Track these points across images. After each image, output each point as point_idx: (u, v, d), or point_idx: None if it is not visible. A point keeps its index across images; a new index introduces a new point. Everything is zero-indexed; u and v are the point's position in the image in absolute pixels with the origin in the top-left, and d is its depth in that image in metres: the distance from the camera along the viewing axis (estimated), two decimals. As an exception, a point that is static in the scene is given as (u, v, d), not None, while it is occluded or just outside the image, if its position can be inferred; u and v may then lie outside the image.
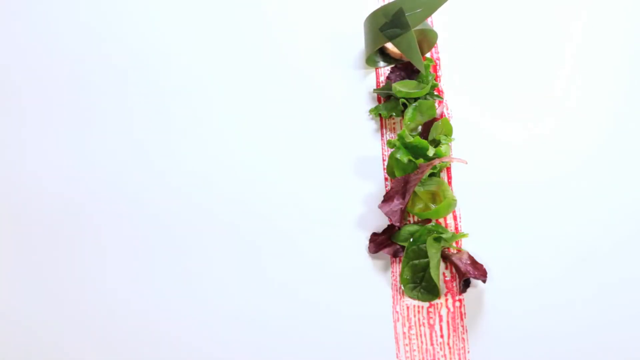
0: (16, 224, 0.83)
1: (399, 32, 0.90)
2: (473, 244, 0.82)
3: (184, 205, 0.84)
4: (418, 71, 0.93)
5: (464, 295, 0.79)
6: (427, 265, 0.80)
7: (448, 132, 0.89)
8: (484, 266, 0.80)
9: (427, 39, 0.94)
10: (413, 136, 0.87)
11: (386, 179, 0.87)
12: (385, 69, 0.95)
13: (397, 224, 0.82)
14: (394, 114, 0.91)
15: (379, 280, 0.80)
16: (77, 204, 0.84)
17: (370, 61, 0.94)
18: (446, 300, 0.79)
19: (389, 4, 0.92)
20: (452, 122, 0.90)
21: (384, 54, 0.95)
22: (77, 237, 0.82)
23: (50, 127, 0.89)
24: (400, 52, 0.91)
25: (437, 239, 0.81)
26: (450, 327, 0.77)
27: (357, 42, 0.97)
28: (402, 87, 0.91)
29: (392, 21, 0.91)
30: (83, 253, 0.82)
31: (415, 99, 0.91)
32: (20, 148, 0.88)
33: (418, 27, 0.92)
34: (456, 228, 0.84)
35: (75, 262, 0.82)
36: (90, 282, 0.80)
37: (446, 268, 0.81)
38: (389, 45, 0.94)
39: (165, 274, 0.81)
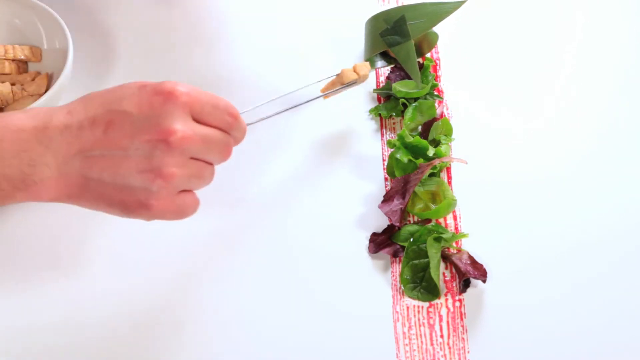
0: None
1: (399, 40, 0.90)
2: (473, 244, 0.82)
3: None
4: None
5: (464, 295, 0.79)
6: (427, 265, 0.80)
7: (448, 132, 0.89)
8: (484, 266, 0.79)
9: (428, 40, 0.94)
10: (413, 136, 0.87)
11: (386, 179, 0.87)
12: (385, 69, 0.95)
13: (397, 224, 0.82)
14: (394, 114, 0.91)
15: (379, 280, 0.80)
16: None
17: (369, 63, 0.94)
18: (446, 300, 0.79)
19: (392, 9, 0.92)
20: (452, 122, 0.90)
21: (384, 54, 0.94)
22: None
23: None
24: (399, 60, 0.90)
25: (437, 239, 0.81)
26: (450, 327, 0.77)
27: (358, 42, 0.97)
28: (402, 87, 0.91)
29: (393, 28, 0.90)
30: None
31: (415, 99, 0.91)
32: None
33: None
34: (456, 228, 0.84)
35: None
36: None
37: (446, 268, 0.81)
38: None
39: (163, 272, 0.81)
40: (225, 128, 0.71)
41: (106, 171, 0.69)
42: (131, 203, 0.69)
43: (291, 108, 0.86)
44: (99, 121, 0.69)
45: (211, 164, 0.72)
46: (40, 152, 0.69)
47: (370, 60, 0.94)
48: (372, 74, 0.95)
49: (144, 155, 0.68)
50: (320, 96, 0.88)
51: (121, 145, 0.68)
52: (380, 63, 0.95)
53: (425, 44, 0.95)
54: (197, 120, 0.70)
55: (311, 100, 0.87)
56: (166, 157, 0.68)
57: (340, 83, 0.87)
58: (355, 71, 0.87)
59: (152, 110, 0.69)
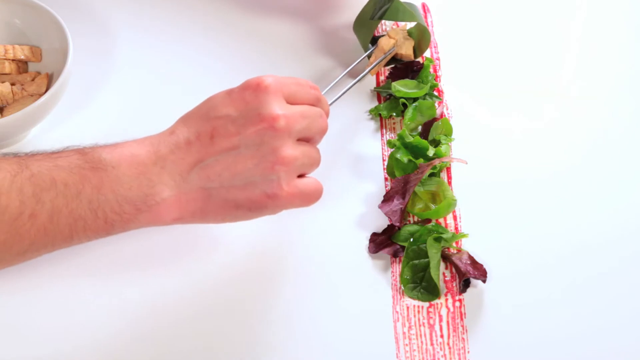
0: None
1: (386, 7, 0.92)
2: (473, 244, 0.82)
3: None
4: (418, 71, 0.94)
5: (464, 295, 0.79)
6: (427, 265, 0.80)
7: (448, 132, 0.89)
8: (484, 266, 0.79)
9: (425, 38, 0.95)
10: (413, 136, 0.87)
11: (386, 179, 0.87)
12: (385, 69, 0.95)
13: (397, 224, 0.82)
14: (394, 114, 0.91)
15: (379, 280, 0.80)
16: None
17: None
18: (446, 300, 0.79)
19: None
20: (452, 122, 0.90)
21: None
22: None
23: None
24: (394, 20, 0.92)
25: (438, 239, 0.81)
26: (450, 327, 0.77)
27: (357, 41, 0.97)
28: (402, 87, 0.91)
29: (381, 5, 0.92)
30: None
31: (415, 99, 0.91)
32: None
33: (416, 24, 0.93)
34: (456, 228, 0.84)
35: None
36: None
37: (446, 268, 0.81)
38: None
39: (158, 272, 0.81)
40: (314, 102, 0.75)
41: (224, 175, 0.71)
42: (257, 197, 0.71)
43: (343, 93, 0.88)
44: (203, 132, 0.72)
45: (314, 146, 0.75)
46: (156, 172, 0.71)
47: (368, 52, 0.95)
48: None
49: (255, 148, 0.71)
50: (367, 73, 0.92)
51: (231, 146, 0.71)
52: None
53: (423, 42, 0.95)
54: (289, 102, 0.73)
55: (360, 79, 0.91)
56: (276, 141, 0.71)
57: (382, 52, 0.91)
58: (391, 37, 0.92)
59: (248, 105, 0.72)
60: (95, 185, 0.70)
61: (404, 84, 0.92)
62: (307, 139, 0.74)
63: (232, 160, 0.71)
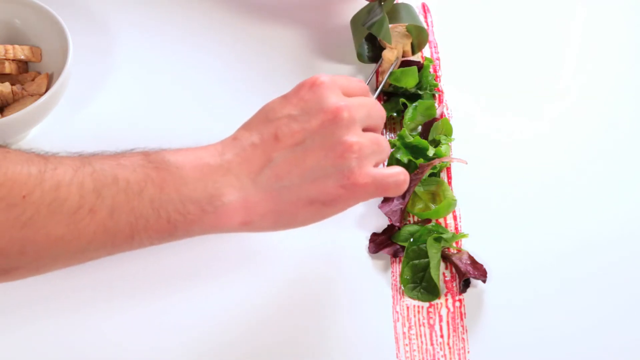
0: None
1: (374, 21, 0.92)
2: (473, 244, 0.82)
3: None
4: (418, 71, 0.93)
5: (464, 295, 0.79)
6: (427, 265, 0.80)
7: (448, 132, 0.89)
8: (484, 266, 0.80)
9: (421, 37, 0.95)
10: (413, 136, 0.87)
11: (386, 179, 0.87)
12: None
13: (397, 224, 0.82)
14: (394, 114, 0.91)
15: (379, 280, 0.80)
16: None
17: (360, 57, 0.95)
18: (446, 300, 0.79)
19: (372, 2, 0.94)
20: (452, 122, 0.90)
21: (371, 43, 0.96)
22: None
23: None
24: (379, 36, 0.92)
25: (438, 239, 0.81)
26: (450, 327, 0.77)
27: (346, 43, 0.97)
28: (402, 76, 0.91)
29: (373, 14, 0.93)
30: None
31: (415, 99, 0.91)
32: None
33: (412, 24, 0.93)
34: (456, 228, 0.84)
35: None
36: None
37: (446, 268, 0.81)
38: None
39: (161, 278, 0.81)
40: (365, 93, 0.76)
41: (294, 171, 0.70)
42: (331, 189, 0.70)
43: None
44: (267, 134, 0.71)
45: (379, 133, 0.74)
46: (222, 174, 0.70)
47: (360, 54, 0.95)
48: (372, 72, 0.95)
49: (321, 140, 0.70)
50: (382, 88, 0.92)
51: (297, 141, 0.70)
52: (369, 55, 0.95)
53: (422, 40, 0.95)
54: (345, 95, 0.73)
55: (377, 94, 0.91)
56: (343, 130, 0.70)
57: (389, 64, 0.92)
58: (391, 47, 0.92)
59: (308, 103, 0.71)
60: (159, 185, 0.68)
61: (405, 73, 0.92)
62: (370, 128, 0.74)
63: (301, 154, 0.70)
